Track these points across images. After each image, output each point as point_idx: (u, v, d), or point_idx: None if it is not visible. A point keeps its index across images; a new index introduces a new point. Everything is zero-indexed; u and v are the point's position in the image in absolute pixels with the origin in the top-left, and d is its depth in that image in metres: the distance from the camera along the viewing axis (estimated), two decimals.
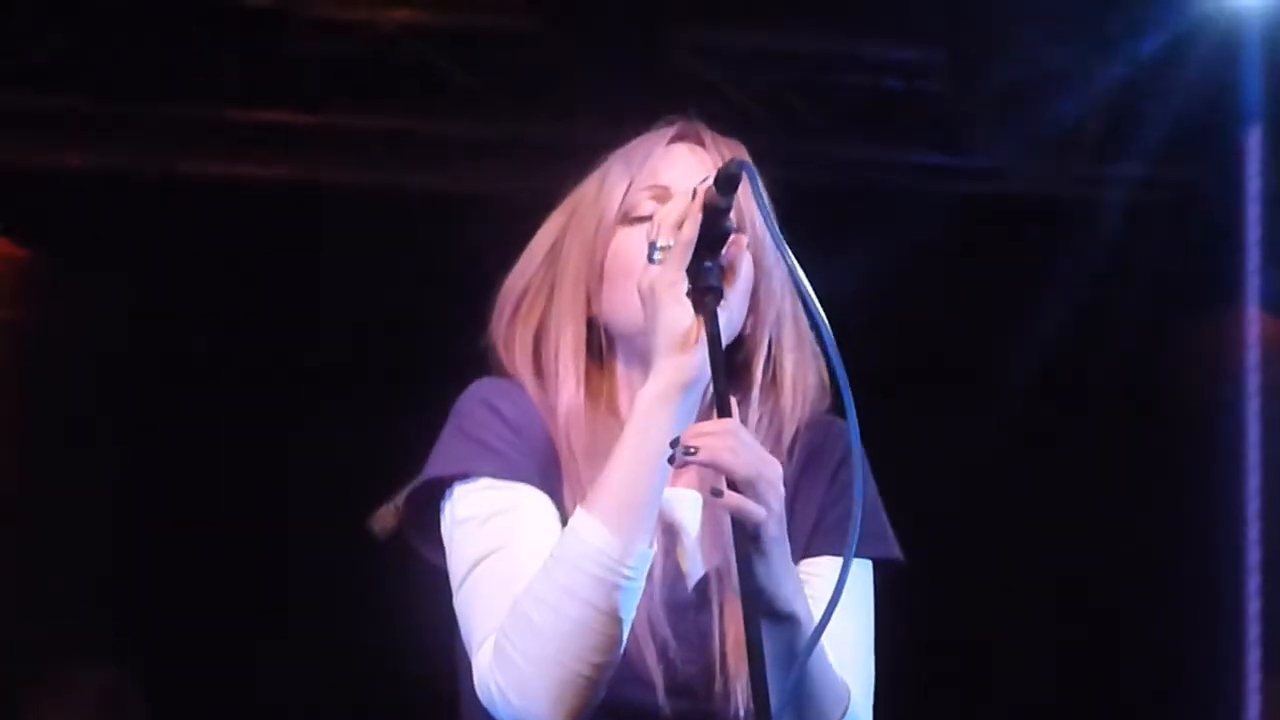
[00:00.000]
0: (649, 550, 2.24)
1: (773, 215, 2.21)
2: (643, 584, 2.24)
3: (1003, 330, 5.79)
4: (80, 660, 4.91)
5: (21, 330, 5.91)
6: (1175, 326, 5.93)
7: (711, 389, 2.25)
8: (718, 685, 2.31)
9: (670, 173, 2.42)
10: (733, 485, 2.16)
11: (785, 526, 2.20)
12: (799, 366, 2.41)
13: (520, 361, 2.43)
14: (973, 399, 5.84)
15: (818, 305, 2.16)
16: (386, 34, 5.35)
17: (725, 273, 2.27)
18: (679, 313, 2.24)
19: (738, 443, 2.16)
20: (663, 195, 2.39)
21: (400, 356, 5.39)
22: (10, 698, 4.90)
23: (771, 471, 2.18)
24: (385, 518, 4.47)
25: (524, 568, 2.26)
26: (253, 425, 5.69)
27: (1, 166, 5.49)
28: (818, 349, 2.41)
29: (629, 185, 2.42)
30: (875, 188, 5.65)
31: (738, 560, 2.16)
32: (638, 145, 2.46)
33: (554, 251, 2.45)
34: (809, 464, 2.41)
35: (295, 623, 5.66)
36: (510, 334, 2.44)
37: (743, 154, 2.42)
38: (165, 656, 5.53)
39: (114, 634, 5.62)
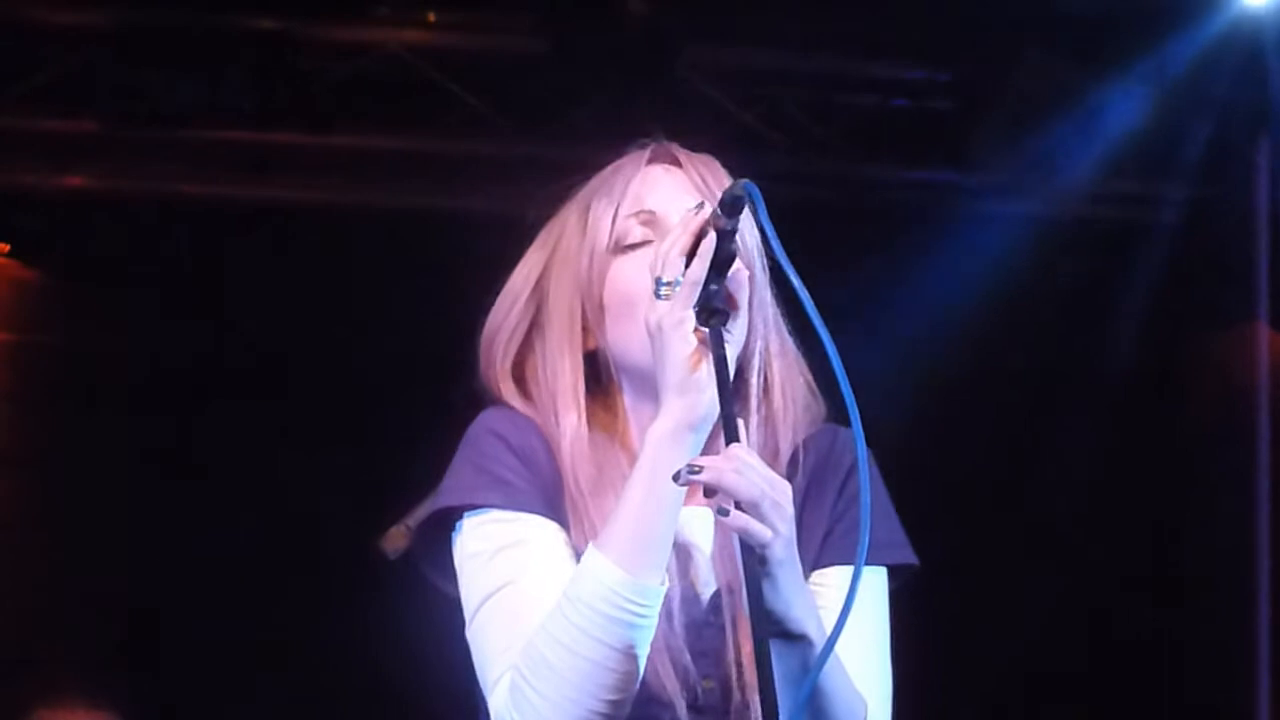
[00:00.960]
0: (661, 587, 2.23)
1: (773, 231, 2.18)
2: (656, 620, 2.23)
3: (1010, 346, 5.79)
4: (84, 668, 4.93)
5: (29, 351, 5.91)
6: (1186, 343, 5.93)
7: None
8: (735, 700, 2.31)
9: (654, 196, 2.40)
10: (739, 507, 2.15)
11: (794, 549, 2.19)
12: (787, 372, 2.40)
13: (515, 399, 2.41)
14: (978, 415, 5.84)
15: (819, 319, 2.13)
16: (395, 55, 5.36)
17: (730, 298, 2.26)
18: (687, 351, 2.23)
19: (743, 464, 2.15)
20: (651, 220, 2.38)
21: (404, 375, 5.39)
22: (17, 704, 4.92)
23: (778, 494, 2.17)
24: (395, 538, 4.46)
25: (533, 603, 2.26)
26: (260, 441, 5.69)
27: (9, 188, 5.51)
28: (799, 354, 2.41)
29: (615, 214, 2.40)
30: (883, 206, 5.65)
31: (746, 581, 2.16)
32: (614, 173, 2.44)
33: (539, 289, 2.43)
34: (817, 474, 2.40)
35: (304, 636, 5.65)
36: (503, 374, 2.42)
37: (717, 169, 2.42)
38: (174, 665, 5.53)
39: (125, 645, 5.63)
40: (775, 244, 2.17)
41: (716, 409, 2.22)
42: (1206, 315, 5.79)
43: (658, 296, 2.25)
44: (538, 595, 2.26)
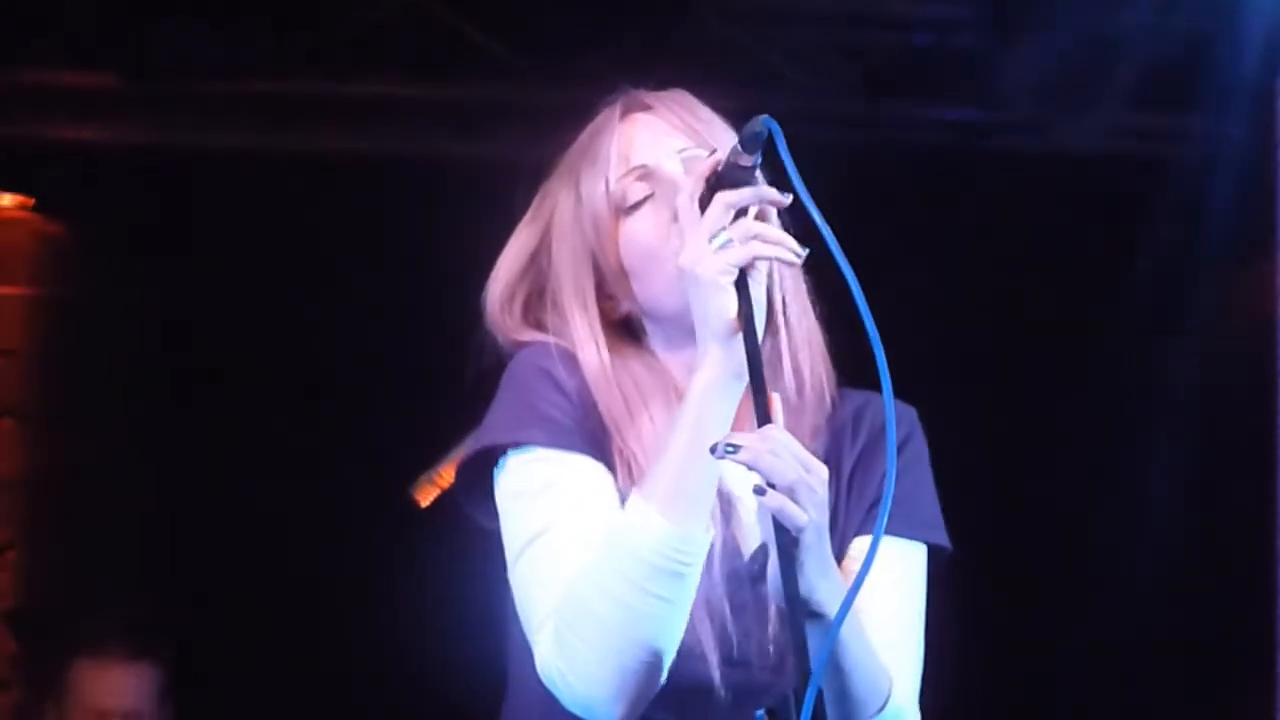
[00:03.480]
0: (707, 536, 2.23)
1: (795, 167, 2.15)
2: (700, 569, 2.23)
3: (1036, 283, 5.78)
4: (103, 632, 4.95)
5: (53, 306, 5.92)
6: (1210, 279, 5.91)
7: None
8: (773, 656, 2.31)
9: (639, 150, 2.40)
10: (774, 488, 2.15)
11: (824, 534, 2.19)
12: (802, 317, 2.40)
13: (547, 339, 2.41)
14: (1002, 352, 5.83)
15: (850, 268, 2.11)
16: (413, 2, 5.35)
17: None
18: (728, 300, 2.21)
19: (779, 446, 2.15)
20: (646, 174, 2.37)
21: (428, 321, 5.39)
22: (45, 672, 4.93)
23: (814, 479, 2.16)
24: (428, 488, 4.48)
25: (576, 546, 2.26)
26: (283, 394, 5.70)
27: (33, 141, 5.51)
28: (810, 304, 2.41)
29: (606, 179, 2.39)
30: (907, 145, 5.63)
31: (779, 556, 2.15)
32: (592, 138, 2.43)
33: (535, 264, 2.43)
34: (873, 443, 2.41)
35: (327, 603, 5.65)
36: (520, 328, 2.43)
37: (689, 101, 2.42)
38: (186, 632, 5.53)
39: (138, 608, 5.64)
40: (796, 180, 2.15)
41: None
42: (1230, 251, 5.77)
43: (709, 242, 2.21)
44: (581, 539, 2.26)
